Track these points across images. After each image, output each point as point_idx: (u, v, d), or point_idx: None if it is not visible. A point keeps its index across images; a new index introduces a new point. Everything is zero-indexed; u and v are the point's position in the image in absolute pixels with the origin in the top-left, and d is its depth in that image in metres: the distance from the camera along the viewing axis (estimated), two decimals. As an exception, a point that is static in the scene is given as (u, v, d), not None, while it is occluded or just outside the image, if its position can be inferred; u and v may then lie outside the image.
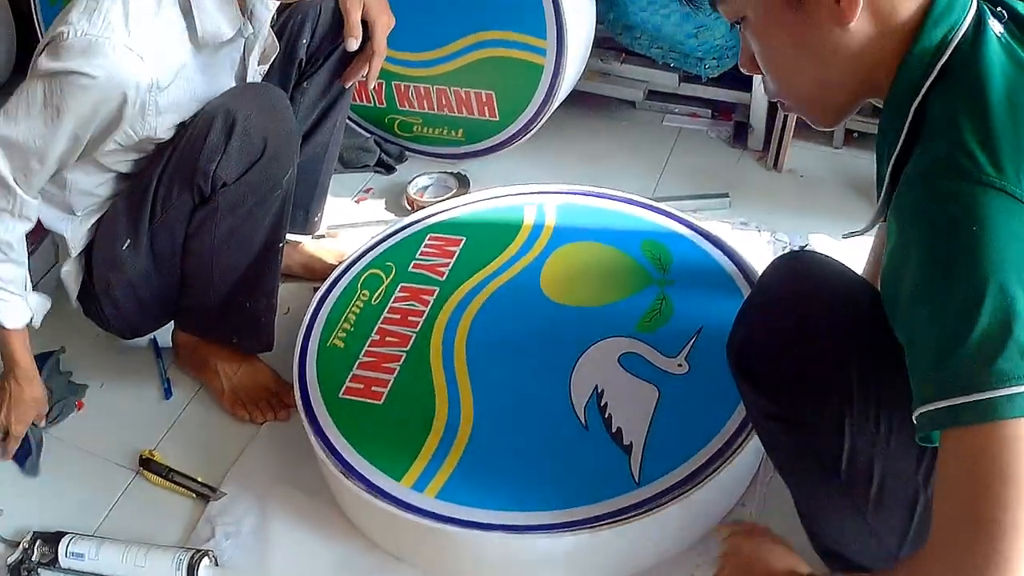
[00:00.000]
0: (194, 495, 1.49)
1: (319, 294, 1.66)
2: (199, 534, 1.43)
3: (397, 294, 1.63)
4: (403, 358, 1.51)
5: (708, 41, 2.04)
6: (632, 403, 1.38)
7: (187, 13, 1.33)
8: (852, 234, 1.12)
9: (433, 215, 1.81)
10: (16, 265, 1.40)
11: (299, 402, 1.46)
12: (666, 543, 1.31)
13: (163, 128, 1.37)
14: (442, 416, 1.40)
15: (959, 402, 0.77)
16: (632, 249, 1.65)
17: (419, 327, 1.56)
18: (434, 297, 1.61)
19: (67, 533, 1.41)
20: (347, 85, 1.69)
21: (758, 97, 2.07)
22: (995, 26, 0.89)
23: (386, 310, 1.60)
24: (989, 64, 0.86)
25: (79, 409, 1.67)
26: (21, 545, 1.41)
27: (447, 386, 1.45)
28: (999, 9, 0.92)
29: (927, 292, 0.80)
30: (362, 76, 1.67)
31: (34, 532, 1.42)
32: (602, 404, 1.39)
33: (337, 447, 1.38)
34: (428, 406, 1.42)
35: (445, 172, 2.13)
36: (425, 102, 2.17)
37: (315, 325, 1.59)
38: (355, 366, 1.51)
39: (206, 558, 1.35)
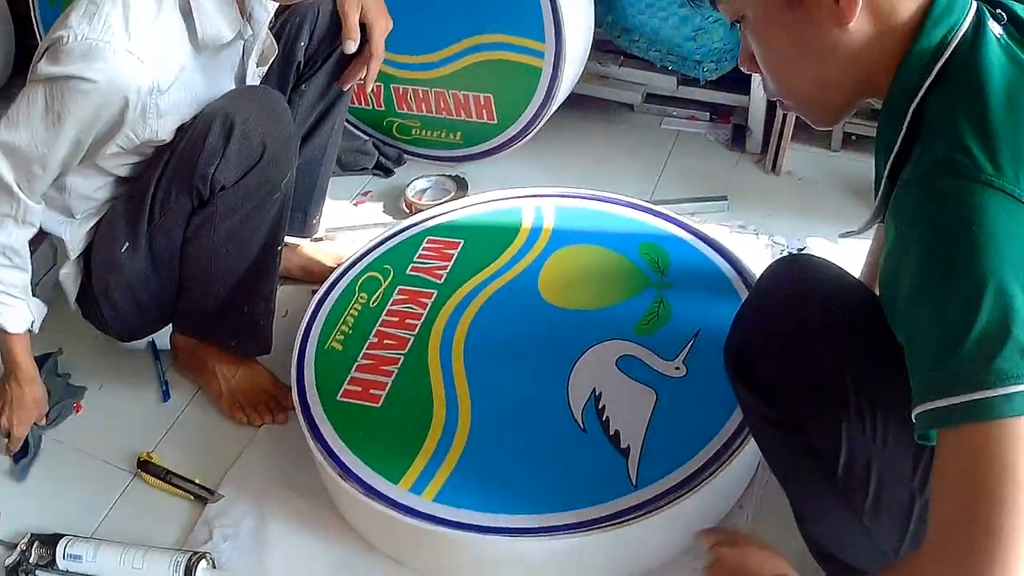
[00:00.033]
0: (192, 497, 1.49)
1: (317, 297, 1.66)
2: (197, 536, 1.43)
3: (395, 297, 1.63)
4: (401, 361, 1.51)
5: (706, 44, 2.04)
6: (630, 406, 1.38)
7: (187, 15, 1.33)
8: (849, 234, 1.12)
9: (431, 218, 1.81)
10: (20, 271, 1.42)
11: (297, 405, 1.46)
12: (664, 546, 1.31)
13: (165, 130, 1.38)
14: (440, 419, 1.40)
15: (958, 401, 0.77)
16: (630, 252, 1.65)
17: (417, 330, 1.56)
18: (432, 300, 1.61)
19: (65, 535, 1.41)
20: (345, 88, 1.69)
21: (756, 100, 2.08)
22: (994, 28, 0.89)
23: (384, 313, 1.60)
24: (988, 65, 0.86)
25: (77, 411, 1.67)
26: (19, 547, 1.41)
27: (445, 389, 1.45)
28: (998, 11, 0.92)
29: (926, 292, 0.80)
30: (360, 79, 1.67)
31: (32, 534, 1.42)
32: (600, 407, 1.39)
33: (335, 450, 1.38)
34: (426, 409, 1.42)
35: (443, 175, 2.13)
36: (423, 105, 2.17)
37: (313, 328, 1.59)
38: (353, 369, 1.51)
39: (204, 560, 1.35)
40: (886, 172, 0.93)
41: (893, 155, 0.91)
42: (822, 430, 0.99)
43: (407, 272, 1.68)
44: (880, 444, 0.97)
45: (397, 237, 1.77)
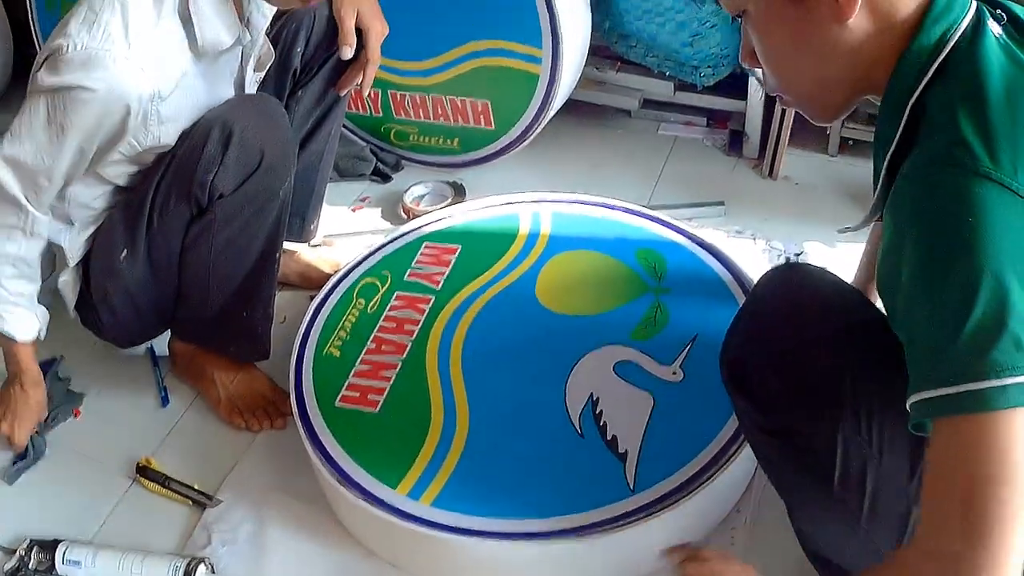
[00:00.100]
0: (191, 502, 1.49)
1: (315, 303, 1.66)
2: (195, 541, 1.43)
3: (393, 302, 1.64)
4: (399, 366, 1.51)
5: (703, 50, 2.05)
6: (627, 411, 1.38)
7: (187, 22, 1.34)
8: (847, 229, 1.12)
9: (429, 224, 1.82)
10: (29, 281, 1.44)
11: (295, 410, 1.46)
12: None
13: (167, 136, 1.38)
14: (438, 424, 1.41)
15: (952, 391, 0.77)
16: (627, 257, 1.66)
17: (415, 335, 1.56)
18: (430, 305, 1.62)
19: (63, 540, 1.41)
20: (342, 93, 1.69)
21: (753, 105, 2.08)
22: (994, 27, 0.90)
23: (382, 318, 1.61)
24: (988, 62, 0.86)
25: (76, 417, 1.67)
26: (18, 552, 1.41)
27: (443, 394, 1.45)
28: (998, 11, 0.92)
29: (924, 284, 0.81)
30: (356, 84, 1.67)
31: (31, 539, 1.42)
32: (597, 412, 1.39)
33: (333, 455, 1.38)
34: (424, 414, 1.42)
35: (441, 181, 2.14)
36: (421, 111, 2.18)
37: (311, 334, 1.60)
38: (351, 374, 1.51)
39: (202, 565, 1.36)
40: (884, 167, 0.93)
41: (891, 150, 0.91)
42: (818, 437, 0.99)
43: (405, 278, 1.68)
44: (876, 451, 0.98)
45: (395, 243, 1.78)
